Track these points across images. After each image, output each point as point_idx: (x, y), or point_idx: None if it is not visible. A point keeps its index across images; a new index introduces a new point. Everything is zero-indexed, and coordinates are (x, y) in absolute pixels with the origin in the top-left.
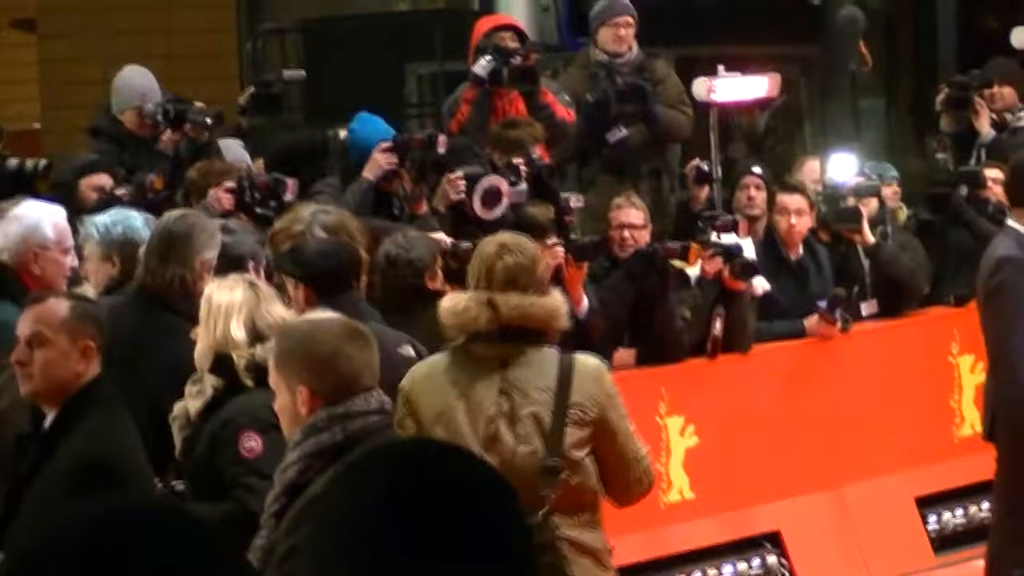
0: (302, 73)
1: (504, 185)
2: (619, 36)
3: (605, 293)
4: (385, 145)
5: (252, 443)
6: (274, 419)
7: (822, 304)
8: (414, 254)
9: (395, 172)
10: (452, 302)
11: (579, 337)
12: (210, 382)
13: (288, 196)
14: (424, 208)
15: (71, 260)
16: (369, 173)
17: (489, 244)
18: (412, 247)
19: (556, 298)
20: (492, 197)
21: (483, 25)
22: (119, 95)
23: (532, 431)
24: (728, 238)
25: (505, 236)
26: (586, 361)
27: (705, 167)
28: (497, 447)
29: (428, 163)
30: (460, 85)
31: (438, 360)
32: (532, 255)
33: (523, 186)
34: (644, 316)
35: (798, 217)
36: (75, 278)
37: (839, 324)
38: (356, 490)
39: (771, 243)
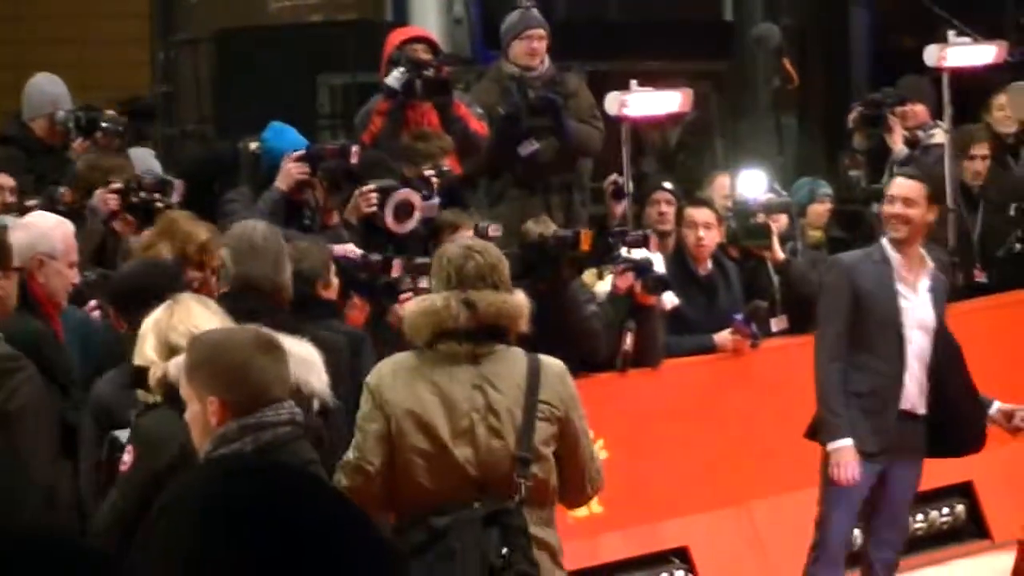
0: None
1: (416, 198)
2: (532, 49)
3: None
4: (297, 155)
5: (127, 457)
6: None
7: (737, 317)
8: (305, 264)
9: (307, 182)
10: (424, 303)
11: None
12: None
13: (175, 197)
14: (336, 219)
15: (75, 275)
16: (281, 183)
17: (453, 247)
18: (303, 257)
19: (522, 298)
20: (404, 210)
21: (396, 37)
22: (30, 102)
23: (506, 425)
24: (639, 253)
25: (468, 240)
26: (551, 361)
27: (622, 182)
28: (471, 440)
29: (341, 174)
30: (373, 97)
31: (405, 357)
32: (498, 255)
33: (435, 200)
34: (551, 321)
35: (706, 231)
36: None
37: (751, 339)
38: (176, 506)
39: (680, 258)
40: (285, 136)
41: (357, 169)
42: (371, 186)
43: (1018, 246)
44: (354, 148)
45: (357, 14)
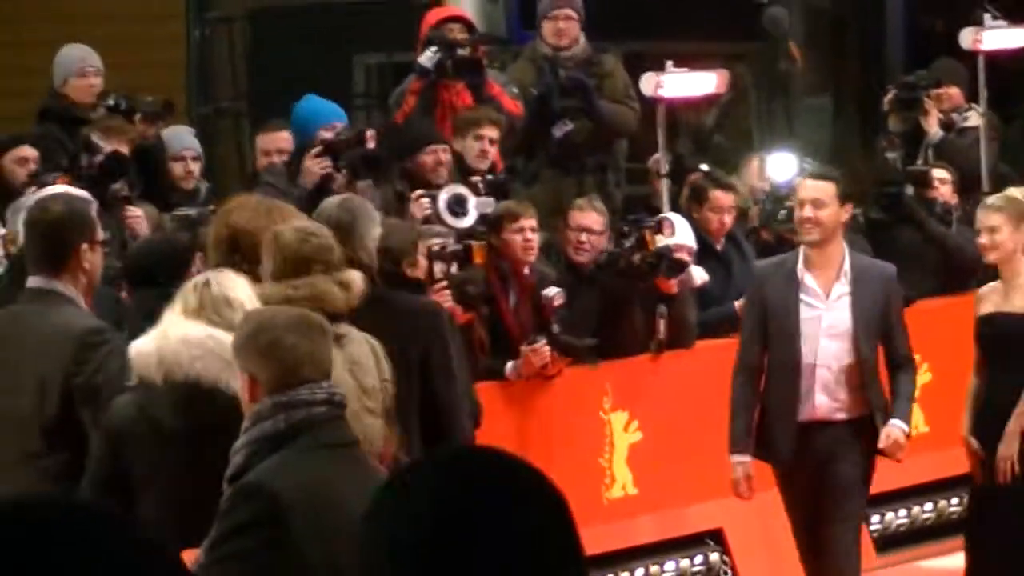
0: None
1: (465, 190)
2: (559, 29)
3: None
4: (316, 151)
5: None
6: None
7: None
8: (392, 242)
9: (329, 176)
10: (288, 289)
11: None
12: None
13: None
14: None
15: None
16: (306, 181)
17: (287, 232)
18: (390, 234)
19: (354, 275)
20: (458, 204)
21: (431, 17)
22: (59, 68)
23: (378, 404)
24: (661, 239)
25: (296, 222)
26: (371, 337)
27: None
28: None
29: (360, 161)
30: (407, 76)
31: None
32: (328, 233)
33: (490, 200)
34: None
35: (729, 215)
36: None
37: None
38: (403, 502)
39: (696, 234)
40: (314, 106)
41: (376, 153)
42: (419, 192)
43: None
44: (369, 133)
45: None
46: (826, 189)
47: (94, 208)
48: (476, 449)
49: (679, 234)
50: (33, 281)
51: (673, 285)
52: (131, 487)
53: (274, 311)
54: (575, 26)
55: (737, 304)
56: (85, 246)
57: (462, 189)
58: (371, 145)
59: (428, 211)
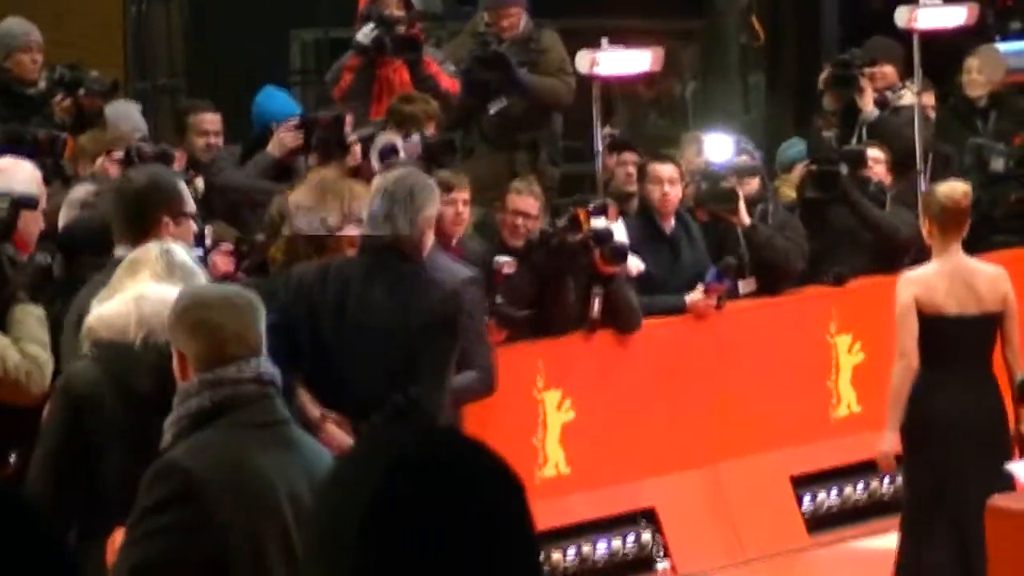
0: None
1: (398, 140)
2: (500, 27)
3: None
4: (292, 123)
5: None
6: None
7: (709, 275)
8: None
9: (299, 149)
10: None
11: None
12: None
13: (175, 167)
14: None
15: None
16: (274, 150)
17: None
18: None
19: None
20: (388, 153)
21: None
22: (2, 41)
23: None
24: (599, 222)
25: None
26: None
27: (616, 134)
28: None
29: (334, 143)
30: (344, 53)
31: None
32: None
33: (415, 138)
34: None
35: (671, 186)
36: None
37: (723, 296)
38: (360, 468)
39: (645, 215)
40: (276, 100)
41: (349, 138)
42: (353, 137)
43: None
44: (348, 118)
45: None
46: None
47: (181, 181)
48: (431, 427)
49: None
50: (118, 251)
51: (612, 269)
52: (90, 455)
53: (205, 288)
54: (519, 18)
55: (688, 298)
56: (167, 218)
57: (394, 137)
58: (347, 130)
59: (358, 160)
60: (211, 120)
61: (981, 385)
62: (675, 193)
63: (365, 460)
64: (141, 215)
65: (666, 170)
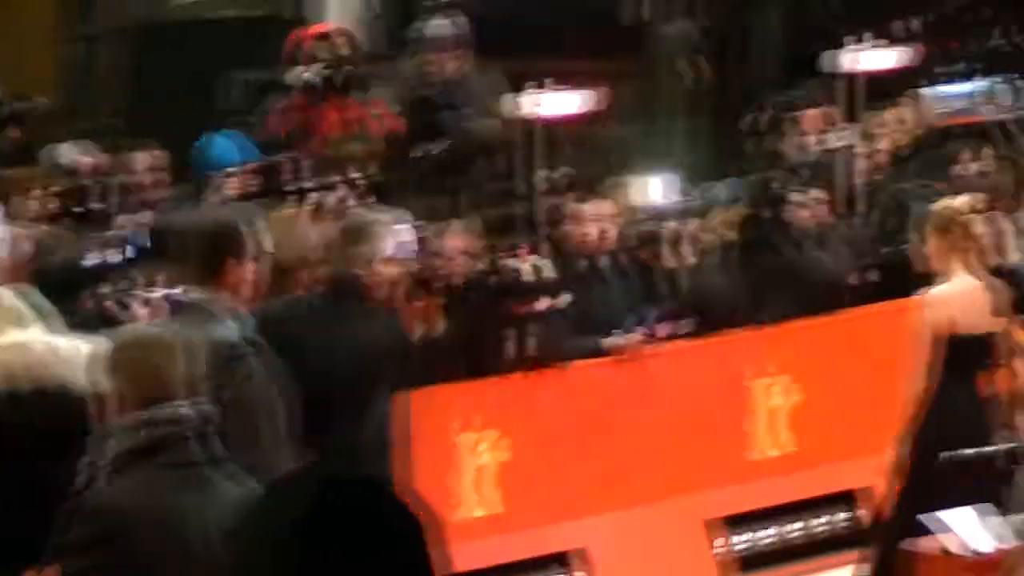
0: None
1: (349, 196)
2: (430, 71)
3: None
4: (249, 167)
5: None
6: None
7: (642, 318)
8: None
9: (251, 195)
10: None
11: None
12: None
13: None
14: None
15: None
16: (217, 196)
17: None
18: None
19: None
20: (337, 200)
21: (304, 32)
22: None
23: None
24: (529, 260)
25: None
26: None
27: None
28: None
29: (285, 186)
30: (282, 93)
31: None
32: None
33: (370, 200)
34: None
35: (599, 224)
36: None
37: (642, 339)
38: (267, 517)
39: (573, 254)
40: (218, 148)
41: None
42: (306, 184)
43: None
44: (300, 161)
45: (269, 10)
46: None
47: (246, 224)
48: (339, 469)
49: (541, 261)
50: (183, 295)
51: (533, 307)
52: None
53: (134, 329)
54: (457, 60)
55: (616, 340)
56: (232, 261)
57: (342, 186)
58: (306, 173)
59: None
60: (152, 157)
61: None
62: (606, 232)
63: (273, 509)
64: (207, 258)
65: (596, 209)
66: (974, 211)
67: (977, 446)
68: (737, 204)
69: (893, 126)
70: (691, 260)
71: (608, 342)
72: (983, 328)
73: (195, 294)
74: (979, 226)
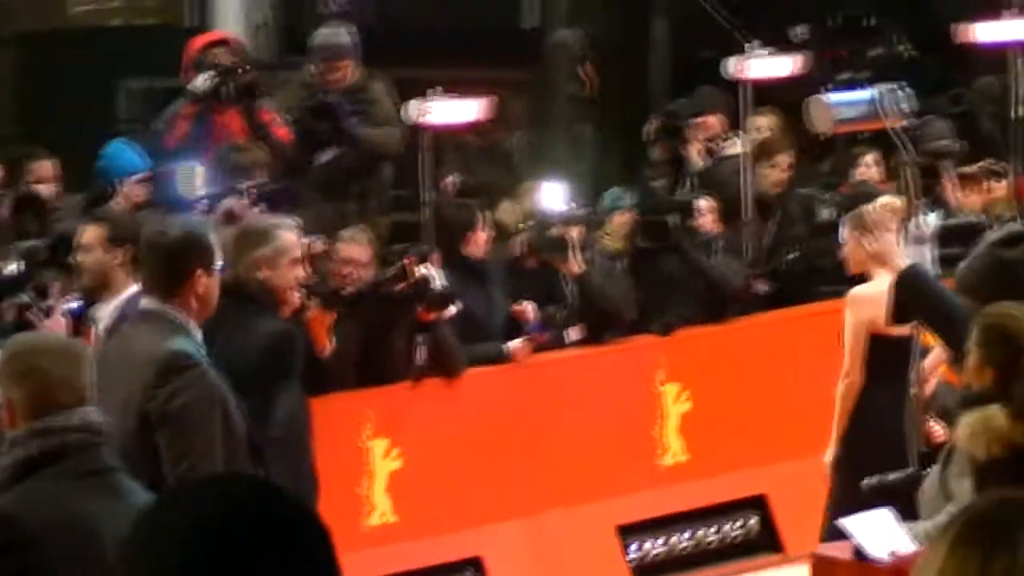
0: None
1: (239, 206)
2: (326, 81)
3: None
4: (139, 177)
5: None
6: None
7: (532, 323)
8: None
9: (145, 204)
10: None
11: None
12: None
13: None
14: None
15: None
16: (119, 205)
17: None
18: None
19: None
20: (228, 217)
21: (198, 41)
22: None
23: None
24: (422, 269)
25: None
26: None
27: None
28: None
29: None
30: (176, 101)
31: None
32: None
33: (257, 209)
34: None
35: (488, 232)
36: None
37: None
38: (163, 524)
39: (464, 260)
40: (124, 155)
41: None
42: (200, 193)
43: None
44: (199, 170)
45: (158, 18)
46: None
47: (212, 234)
48: (236, 476)
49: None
50: (145, 303)
51: (431, 315)
52: None
53: (35, 336)
54: (349, 69)
55: (510, 346)
56: (200, 271)
57: (236, 204)
58: (197, 183)
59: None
60: (48, 167)
61: None
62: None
63: (168, 517)
64: (175, 268)
65: (486, 217)
66: (895, 213)
67: (897, 448)
68: (634, 211)
69: (764, 132)
70: (588, 267)
71: (508, 347)
72: (905, 329)
73: (154, 303)
74: (896, 227)
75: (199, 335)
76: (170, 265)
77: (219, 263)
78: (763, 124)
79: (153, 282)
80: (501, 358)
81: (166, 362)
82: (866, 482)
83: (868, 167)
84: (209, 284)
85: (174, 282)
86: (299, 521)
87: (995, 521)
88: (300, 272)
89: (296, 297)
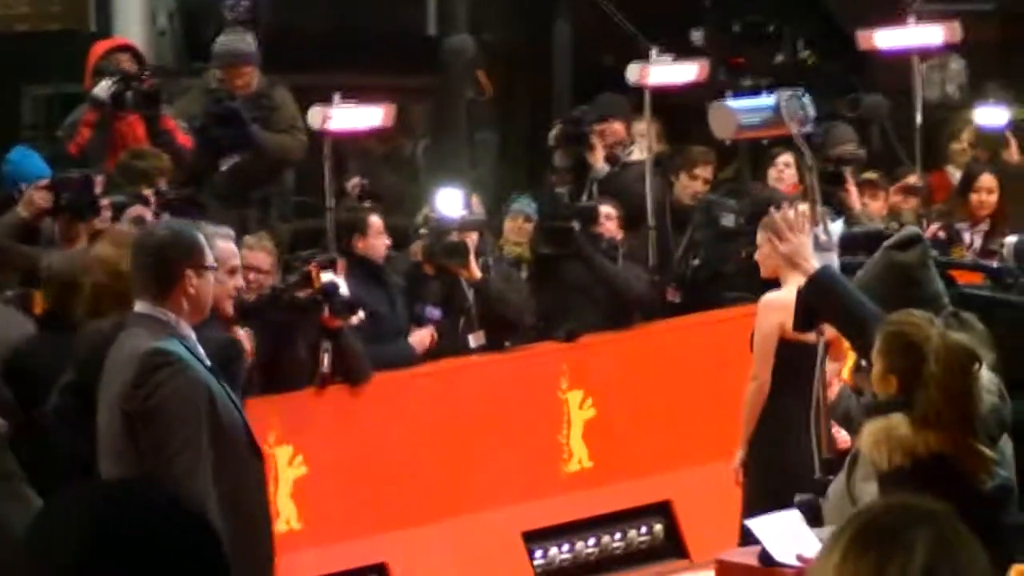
0: None
1: (148, 213)
2: (233, 86)
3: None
4: (42, 184)
5: None
6: None
7: (428, 309)
8: None
9: (49, 210)
10: None
11: None
12: None
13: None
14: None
15: None
16: (23, 210)
17: None
18: None
19: None
20: (138, 223)
21: (99, 47)
22: None
23: None
24: (326, 276)
25: None
26: None
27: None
28: None
29: (85, 203)
30: (78, 107)
31: None
32: None
33: (165, 216)
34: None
35: (385, 238)
36: None
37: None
38: (59, 526)
39: (364, 265)
40: (30, 161)
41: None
42: (104, 201)
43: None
44: (99, 178)
45: (61, 24)
46: None
47: (201, 234)
48: (128, 481)
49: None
50: (137, 307)
51: (339, 322)
52: None
53: None
54: (252, 75)
55: (413, 339)
56: (190, 272)
57: (145, 212)
58: (98, 191)
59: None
60: None
61: None
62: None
63: (61, 520)
64: (164, 268)
65: (381, 223)
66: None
67: (803, 453)
68: (536, 217)
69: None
70: (489, 272)
71: (414, 340)
72: (812, 336)
73: (146, 306)
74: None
75: (192, 335)
76: (159, 267)
77: (210, 263)
78: (640, 131)
79: (143, 284)
80: (408, 357)
81: (142, 361)
82: (798, 499)
83: (783, 168)
84: (200, 285)
85: (164, 284)
86: (188, 524)
87: (887, 525)
88: (238, 281)
89: (231, 307)
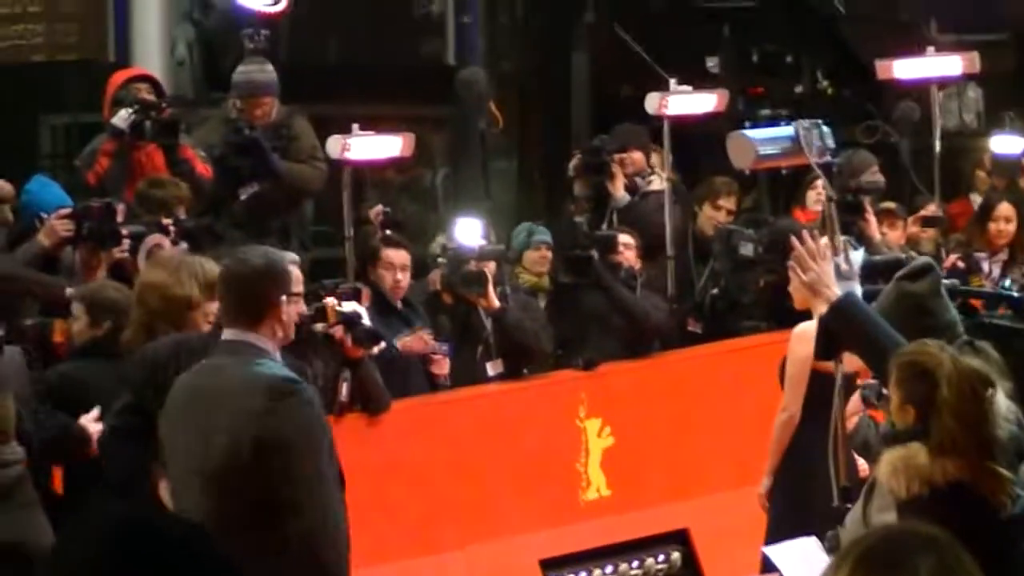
0: None
1: (167, 242)
2: (253, 116)
3: None
4: (63, 212)
5: None
6: None
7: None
8: None
9: (70, 239)
10: None
11: None
12: None
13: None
14: (100, 276)
15: None
16: (44, 239)
17: None
18: None
19: None
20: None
21: (118, 77)
22: None
23: None
24: (349, 306)
25: None
26: None
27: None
28: None
29: (106, 232)
30: (97, 137)
31: None
32: None
33: (184, 245)
34: None
35: (403, 273)
36: None
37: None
38: (81, 550)
39: (379, 296)
40: (49, 190)
41: (121, 228)
42: (125, 231)
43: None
44: (120, 207)
45: (80, 54)
46: None
47: (290, 262)
48: (147, 507)
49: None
50: (228, 334)
51: (361, 352)
52: None
53: None
54: (271, 105)
55: (399, 343)
56: (284, 298)
57: (164, 240)
58: (119, 219)
59: (125, 254)
60: None
61: None
62: (406, 279)
63: (82, 545)
64: (258, 297)
65: (399, 256)
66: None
67: (826, 482)
68: (548, 246)
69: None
70: (504, 302)
71: (399, 344)
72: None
73: (237, 333)
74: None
75: (281, 361)
76: (254, 295)
77: (298, 290)
78: (659, 161)
79: (236, 312)
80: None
81: (273, 388)
82: (830, 534)
83: (822, 190)
84: (290, 312)
85: (258, 311)
86: (204, 551)
87: (889, 552)
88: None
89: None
